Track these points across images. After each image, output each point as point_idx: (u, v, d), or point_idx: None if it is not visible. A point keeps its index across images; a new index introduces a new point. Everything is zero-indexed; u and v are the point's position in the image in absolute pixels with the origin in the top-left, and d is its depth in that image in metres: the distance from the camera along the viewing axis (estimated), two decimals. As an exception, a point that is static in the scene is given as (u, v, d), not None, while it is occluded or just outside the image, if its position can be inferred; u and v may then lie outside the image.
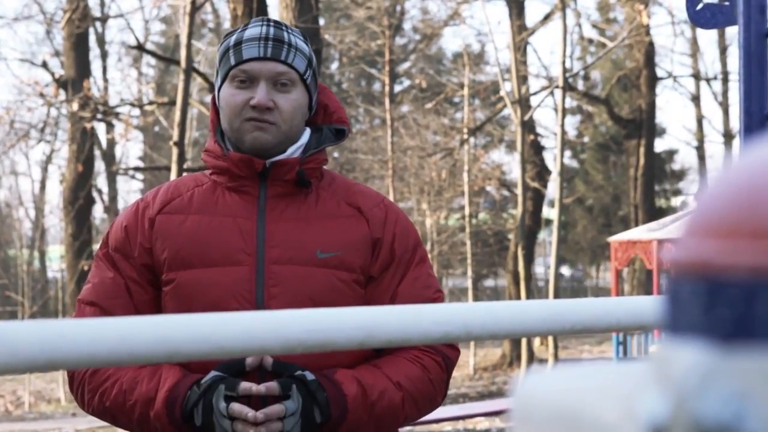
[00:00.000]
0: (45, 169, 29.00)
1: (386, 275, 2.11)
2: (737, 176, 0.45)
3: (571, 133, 29.42)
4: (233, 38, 2.13)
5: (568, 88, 18.03)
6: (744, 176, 0.44)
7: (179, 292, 2.03)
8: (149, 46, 27.99)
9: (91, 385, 2.02)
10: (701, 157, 28.10)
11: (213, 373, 1.97)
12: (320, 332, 1.50)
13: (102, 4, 24.50)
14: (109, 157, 24.78)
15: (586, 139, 31.19)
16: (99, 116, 16.06)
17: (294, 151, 2.12)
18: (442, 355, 2.10)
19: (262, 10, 10.47)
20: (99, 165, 23.86)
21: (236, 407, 1.92)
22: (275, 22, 2.14)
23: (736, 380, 0.41)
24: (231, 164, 2.09)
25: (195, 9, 11.84)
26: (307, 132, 2.17)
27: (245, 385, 1.94)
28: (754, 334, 0.42)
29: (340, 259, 2.06)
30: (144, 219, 2.10)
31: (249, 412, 1.91)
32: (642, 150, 21.70)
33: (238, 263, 2.03)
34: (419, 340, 1.74)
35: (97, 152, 22.12)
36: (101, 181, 25.30)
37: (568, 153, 30.91)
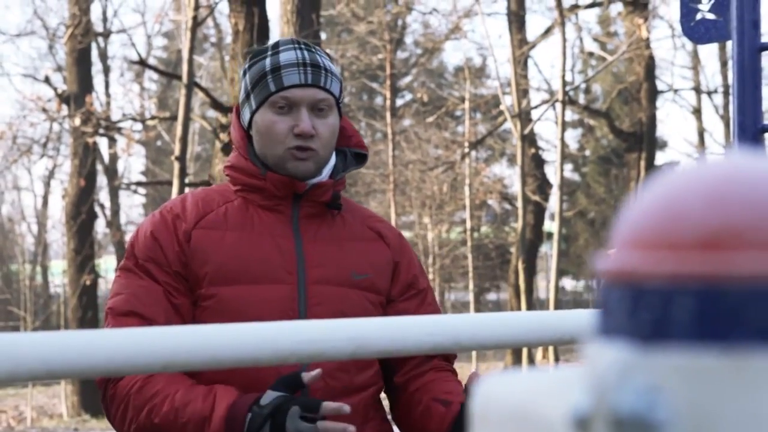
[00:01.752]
0: (47, 184, 29.08)
1: (402, 299, 2.20)
2: (659, 194, 0.50)
3: (573, 147, 29.47)
4: (267, 62, 2.14)
5: (569, 101, 18.09)
6: (664, 194, 0.49)
7: (222, 307, 2.04)
8: (152, 61, 28.10)
9: (137, 401, 1.98)
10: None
11: (275, 393, 1.90)
12: (311, 343, 1.55)
13: (104, 20, 24.62)
14: (111, 172, 24.84)
15: (587, 153, 31.24)
16: (101, 131, 16.13)
17: (326, 173, 2.18)
18: (454, 371, 2.24)
19: (264, 25, 10.53)
20: (101, 180, 23.92)
21: (329, 425, 1.85)
22: (305, 44, 2.17)
23: (652, 375, 0.46)
24: (270, 185, 2.13)
25: (196, 24, 11.91)
26: (334, 154, 2.23)
27: (331, 405, 1.87)
28: (669, 334, 0.47)
29: (370, 282, 2.14)
30: (178, 231, 2.10)
31: (350, 428, 1.85)
32: (643, 163, 21.74)
33: (280, 281, 2.06)
34: (410, 351, 1.79)
35: (99, 167, 22.18)
36: (104, 196, 25.34)
37: (569, 166, 30.96)
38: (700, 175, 0.48)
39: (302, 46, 2.16)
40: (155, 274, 2.08)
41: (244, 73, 2.19)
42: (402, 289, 2.19)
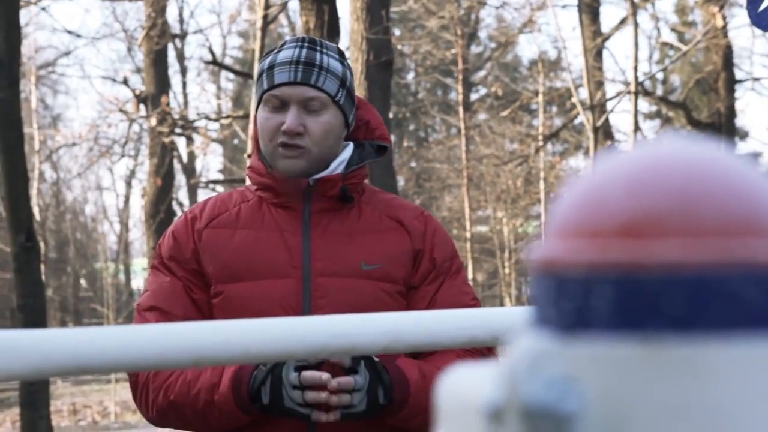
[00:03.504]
0: (128, 184, 29.61)
1: (425, 283, 2.17)
2: (584, 183, 0.49)
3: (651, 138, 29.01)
4: (268, 60, 2.17)
5: (644, 92, 17.84)
6: (589, 183, 0.49)
7: (228, 305, 2.10)
8: (227, 60, 28.41)
9: (155, 383, 2.08)
10: (785, 160, 27.44)
11: None
12: (346, 337, 1.55)
13: (181, 21, 24.98)
14: (189, 171, 25.19)
15: (666, 144, 30.74)
16: (177, 131, 16.36)
17: (336, 166, 2.19)
18: (481, 353, 2.16)
19: (334, 22, 10.56)
20: (180, 178, 24.27)
21: (309, 374, 1.94)
22: (310, 41, 2.18)
23: (568, 366, 0.45)
24: (275, 182, 2.16)
25: (267, 23, 12.02)
26: (350, 147, 2.24)
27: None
28: (589, 323, 0.46)
29: (383, 271, 2.13)
30: (193, 230, 2.18)
31: (324, 376, 1.93)
32: (722, 154, 21.31)
33: (284, 276, 2.10)
34: (445, 345, 1.78)
35: (178, 166, 22.51)
36: (182, 195, 25.73)
37: (647, 158, 30.49)
38: (622, 163, 0.48)
39: (305, 44, 2.16)
40: (176, 270, 2.16)
41: None
42: (424, 274, 2.16)
